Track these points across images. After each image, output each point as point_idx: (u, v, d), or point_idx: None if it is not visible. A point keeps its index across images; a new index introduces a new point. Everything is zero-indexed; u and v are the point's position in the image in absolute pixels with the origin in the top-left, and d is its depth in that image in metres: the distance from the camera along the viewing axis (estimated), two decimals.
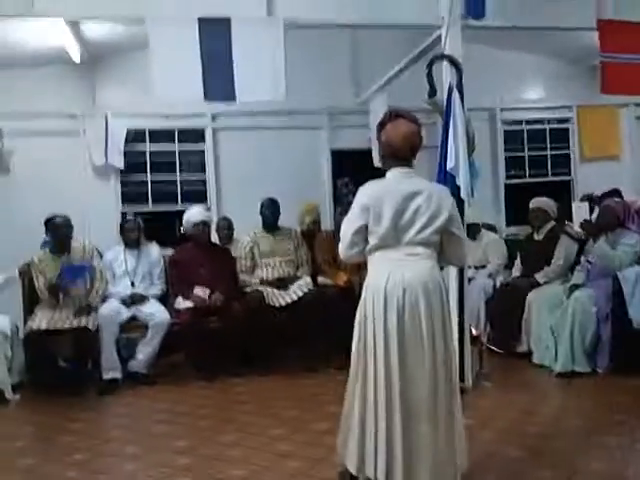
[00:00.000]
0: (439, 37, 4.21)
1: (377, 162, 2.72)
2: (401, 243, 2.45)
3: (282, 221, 5.19)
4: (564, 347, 4.25)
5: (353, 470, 2.45)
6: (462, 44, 4.13)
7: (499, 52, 6.53)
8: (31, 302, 4.63)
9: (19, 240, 5.35)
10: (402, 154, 2.54)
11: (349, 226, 2.51)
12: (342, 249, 2.55)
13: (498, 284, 5.31)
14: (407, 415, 2.34)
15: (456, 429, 2.41)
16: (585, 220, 4.39)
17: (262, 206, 5.11)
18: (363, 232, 2.48)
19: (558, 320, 4.37)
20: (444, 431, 2.37)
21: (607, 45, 4.47)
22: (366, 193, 2.51)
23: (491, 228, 6.00)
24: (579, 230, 4.60)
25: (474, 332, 4.24)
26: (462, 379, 4.02)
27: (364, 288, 2.51)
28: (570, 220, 5.40)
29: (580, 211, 4.48)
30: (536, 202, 5.10)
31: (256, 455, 3.11)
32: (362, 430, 2.42)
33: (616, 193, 5.59)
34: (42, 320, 4.34)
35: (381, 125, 2.60)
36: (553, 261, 4.88)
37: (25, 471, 3.06)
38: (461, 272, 4.10)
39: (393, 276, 2.40)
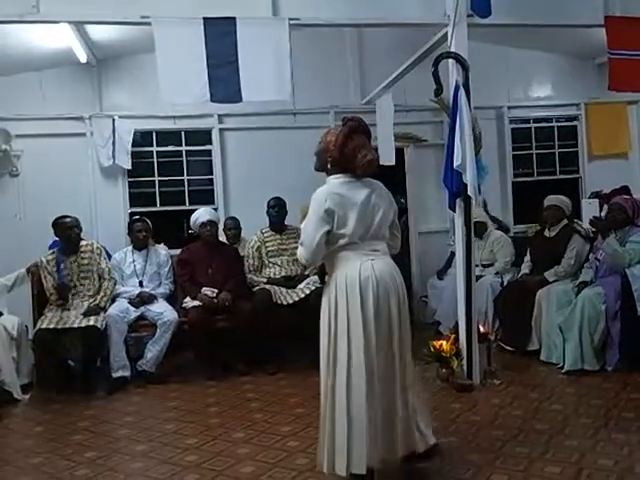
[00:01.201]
0: (445, 35, 4.21)
1: (322, 166, 2.72)
2: (364, 240, 2.59)
3: (289, 220, 5.21)
4: (573, 345, 4.23)
5: (343, 471, 2.47)
6: (468, 42, 4.13)
7: (506, 50, 6.53)
8: (40, 303, 4.66)
9: (28, 241, 5.40)
10: (362, 173, 2.61)
11: (315, 232, 2.55)
12: (308, 254, 2.61)
13: (505, 282, 5.30)
14: (385, 397, 2.52)
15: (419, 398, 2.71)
16: (595, 217, 4.36)
17: (268, 205, 5.12)
18: (326, 237, 2.57)
19: (567, 318, 4.34)
20: (413, 402, 2.62)
21: (614, 42, 4.44)
22: (328, 198, 2.55)
23: (502, 227, 5.99)
24: (589, 227, 4.57)
25: (482, 330, 4.23)
26: (470, 376, 4.03)
27: (332, 283, 2.62)
28: (579, 218, 5.38)
29: (590, 208, 4.45)
30: (552, 200, 5.05)
31: (265, 452, 3.12)
32: (349, 423, 2.47)
33: (625, 190, 5.57)
34: (51, 320, 4.38)
35: (347, 136, 2.61)
36: (564, 260, 4.85)
37: (36, 469, 3.08)
38: (468, 270, 4.10)
39: (364, 270, 2.55)
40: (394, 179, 6.78)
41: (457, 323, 4.27)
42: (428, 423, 2.73)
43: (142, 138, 6.12)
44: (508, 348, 4.90)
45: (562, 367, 4.27)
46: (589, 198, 5.69)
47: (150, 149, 6.18)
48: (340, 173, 2.63)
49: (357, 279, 2.52)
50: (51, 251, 4.74)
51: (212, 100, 4.08)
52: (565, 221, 5.01)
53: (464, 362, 4.06)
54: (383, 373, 2.52)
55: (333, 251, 2.61)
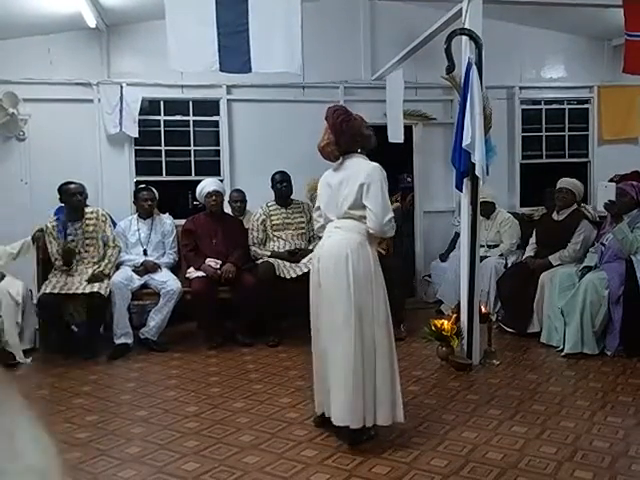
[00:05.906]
0: (459, 12, 4.14)
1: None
2: (334, 218, 2.95)
3: (296, 194, 5.19)
4: (574, 328, 4.25)
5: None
6: (482, 19, 4.06)
7: (520, 28, 6.42)
8: (45, 268, 4.68)
9: (34, 206, 5.40)
10: (327, 159, 3.05)
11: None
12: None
13: (509, 263, 5.30)
14: (325, 365, 2.86)
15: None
16: (610, 201, 4.31)
17: (274, 180, 5.10)
18: (319, 211, 3.12)
19: (569, 301, 4.35)
20: (352, 373, 2.74)
21: (632, 23, 4.37)
22: (319, 183, 3.14)
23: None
24: (601, 210, 4.51)
25: (483, 310, 4.24)
26: (469, 356, 4.05)
27: None
28: (585, 202, 5.33)
29: (606, 192, 4.37)
30: (565, 182, 4.97)
31: (264, 422, 3.16)
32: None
33: (637, 175, 5.52)
34: (55, 285, 4.40)
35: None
36: (570, 245, 4.82)
37: None
38: (472, 251, 4.10)
39: (319, 247, 2.97)
40: (401, 157, 6.75)
41: (459, 303, 4.28)
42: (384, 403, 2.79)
43: (150, 106, 6.08)
44: (509, 329, 4.92)
45: (562, 350, 4.30)
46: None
47: (157, 118, 6.13)
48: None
49: (315, 256, 2.96)
50: (56, 217, 4.74)
51: (221, 70, 4.04)
52: (575, 205, 4.97)
53: (464, 341, 4.08)
54: (325, 340, 2.84)
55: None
